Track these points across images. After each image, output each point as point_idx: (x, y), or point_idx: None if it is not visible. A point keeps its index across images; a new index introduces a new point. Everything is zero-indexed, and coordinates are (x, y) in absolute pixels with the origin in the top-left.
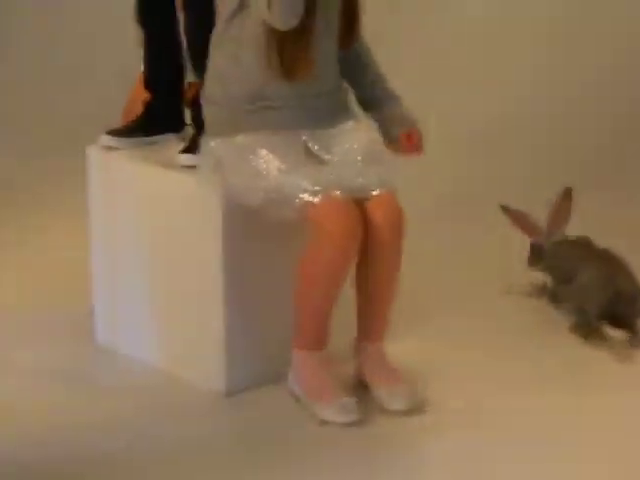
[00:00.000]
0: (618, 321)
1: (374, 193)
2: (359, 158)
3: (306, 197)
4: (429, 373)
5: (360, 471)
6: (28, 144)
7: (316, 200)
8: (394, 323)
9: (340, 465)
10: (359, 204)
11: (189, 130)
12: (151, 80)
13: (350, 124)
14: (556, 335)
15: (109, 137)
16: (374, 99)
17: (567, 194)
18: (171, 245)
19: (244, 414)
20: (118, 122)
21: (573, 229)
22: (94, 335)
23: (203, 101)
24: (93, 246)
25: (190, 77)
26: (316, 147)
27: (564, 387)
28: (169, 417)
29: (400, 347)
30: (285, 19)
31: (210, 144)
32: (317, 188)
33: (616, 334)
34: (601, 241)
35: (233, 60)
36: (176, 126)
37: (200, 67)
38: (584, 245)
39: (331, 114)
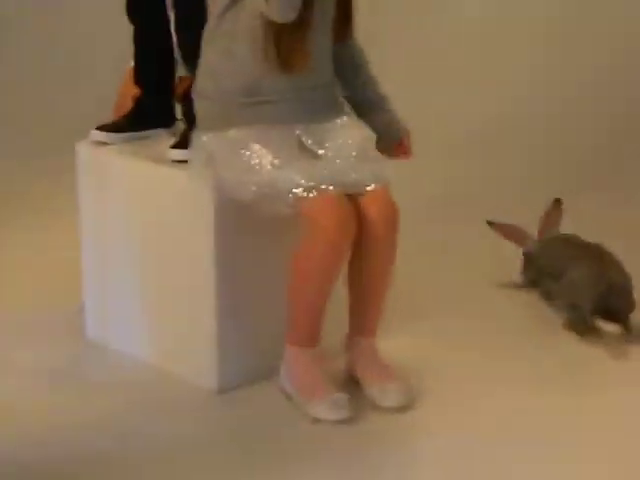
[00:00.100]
0: (611, 315)
1: (368, 188)
2: (353, 154)
3: (300, 192)
4: (423, 371)
5: (352, 468)
6: (28, 144)
7: (310, 195)
8: (388, 321)
9: (332, 462)
10: (353, 199)
11: (180, 125)
12: (141, 76)
13: (344, 119)
14: (551, 333)
15: (99, 132)
16: (365, 102)
17: (557, 204)
18: (162, 240)
19: (236, 411)
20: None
21: (572, 229)
22: (84, 331)
23: (195, 96)
24: (83, 242)
25: (181, 71)
26: (310, 141)
27: (560, 386)
28: (161, 414)
29: (394, 345)
30: (283, 12)
31: (202, 138)
32: (311, 183)
33: (610, 328)
34: (598, 239)
35: (226, 55)
36: (167, 121)
37: (192, 62)
38: (574, 242)
39: (326, 108)
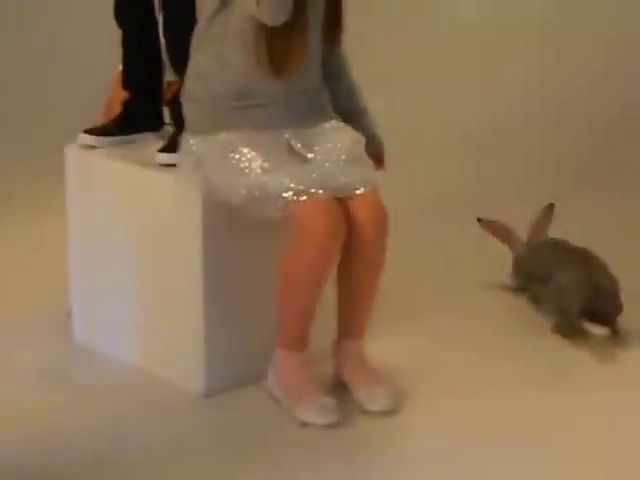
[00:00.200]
0: (599, 318)
1: (357, 192)
2: (343, 157)
3: (289, 196)
4: (413, 372)
5: (339, 472)
6: (28, 144)
7: (299, 199)
8: (380, 322)
9: (319, 466)
10: (342, 203)
11: (168, 129)
12: (129, 79)
13: (332, 123)
14: (540, 336)
15: (87, 136)
16: (345, 112)
17: (549, 209)
18: (150, 244)
19: (224, 415)
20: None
21: (568, 230)
22: (72, 334)
23: (183, 99)
24: (70, 245)
25: (169, 76)
26: (299, 145)
27: (549, 387)
28: (147, 417)
29: (385, 346)
30: (274, 15)
31: (190, 142)
32: (300, 187)
33: (598, 331)
34: (594, 241)
35: (216, 58)
36: (155, 125)
37: (180, 67)
38: (561, 246)
39: (314, 112)
